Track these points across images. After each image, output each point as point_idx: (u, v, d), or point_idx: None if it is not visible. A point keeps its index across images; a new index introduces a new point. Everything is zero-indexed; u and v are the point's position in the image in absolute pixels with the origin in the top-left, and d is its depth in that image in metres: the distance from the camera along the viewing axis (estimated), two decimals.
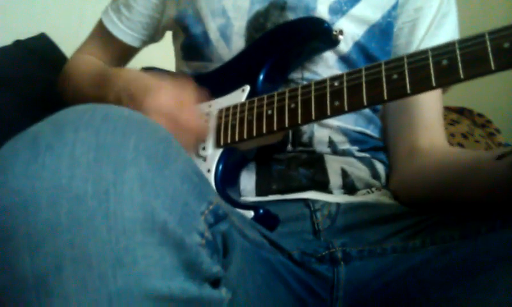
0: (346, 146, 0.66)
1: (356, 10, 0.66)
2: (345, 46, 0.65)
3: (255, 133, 0.57)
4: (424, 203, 0.61)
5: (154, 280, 0.32)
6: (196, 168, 0.39)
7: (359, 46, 0.66)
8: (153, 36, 0.80)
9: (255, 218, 0.54)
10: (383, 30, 0.67)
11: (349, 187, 0.64)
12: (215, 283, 0.38)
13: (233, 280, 0.41)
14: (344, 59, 0.66)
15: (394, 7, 0.68)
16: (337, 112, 0.52)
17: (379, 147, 0.70)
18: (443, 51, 0.46)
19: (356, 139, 0.67)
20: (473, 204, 0.52)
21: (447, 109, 1.23)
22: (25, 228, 0.31)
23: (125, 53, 0.82)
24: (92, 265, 0.31)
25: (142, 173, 0.33)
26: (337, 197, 0.63)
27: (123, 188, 0.32)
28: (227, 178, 0.60)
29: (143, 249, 0.32)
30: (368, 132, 0.68)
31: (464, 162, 0.56)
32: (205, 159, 0.61)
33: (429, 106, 0.67)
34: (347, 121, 0.66)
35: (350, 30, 0.65)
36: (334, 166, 0.64)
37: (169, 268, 0.33)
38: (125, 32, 0.78)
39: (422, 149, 0.65)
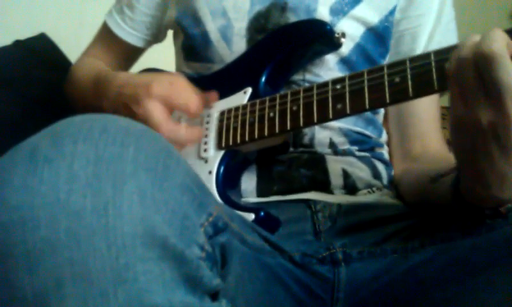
0: (346, 146, 0.66)
1: (357, 11, 0.66)
2: (345, 48, 0.65)
3: (256, 136, 0.57)
4: (417, 205, 0.62)
5: (155, 295, 0.32)
6: (196, 178, 0.39)
7: (359, 47, 0.66)
8: (157, 35, 0.81)
9: (256, 220, 0.54)
10: (379, 34, 0.68)
11: (350, 187, 0.64)
12: (214, 295, 0.37)
13: (232, 289, 0.41)
14: (344, 60, 0.66)
15: (392, 12, 0.69)
16: (339, 115, 0.52)
17: (379, 147, 0.71)
18: (446, 55, 0.46)
19: (356, 139, 0.67)
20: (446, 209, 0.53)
21: (447, 109, 1.23)
22: (24, 245, 0.30)
23: (130, 54, 0.82)
24: (93, 282, 0.30)
25: (141, 186, 0.33)
26: (338, 197, 0.63)
27: (123, 202, 0.32)
28: (228, 180, 0.60)
29: (143, 264, 0.32)
30: (368, 132, 0.69)
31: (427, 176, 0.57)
32: (206, 161, 0.61)
33: (423, 116, 0.69)
34: (347, 122, 0.66)
35: (351, 31, 0.66)
36: (335, 167, 0.65)
37: (169, 283, 0.33)
38: (128, 33, 0.78)
39: (413, 156, 0.68)
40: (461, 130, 0.41)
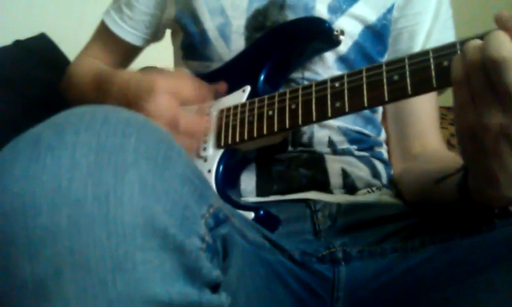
0: (345, 145, 0.66)
1: (355, 9, 0.67)
2: (344, 46, 0.65)
3: (255, 134, 0.57)
4: (417, 204, 0.62)
5: (154, 285, 0.32)
6: (196, 170, 0.39)
7: (357, 45, 0.66)
8: (156, 34, 0.80)
9: (256, 219, 0.54)
10: (377, 32, 0.68)
11: (349, 186, 0.64)
12: (214, 287, 0.37)
13: (233, 283, 0.41)
14: (342, 59, 0.66)
15: (390, 10, 0.69)
16: (338, 113, 0.52)
17: (378, 146, 0.71)
18: (445, 52, 0.46)
19: (355, 138, 0.67)
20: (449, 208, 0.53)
21: (447, 109, 1.23)
22: (25, 232, 0.31)
23: (128, 53, 0.82)
24: (91, 270, 0.31)
25: (142, 176, 0.33)
26: (338, 197, 0.63)
27: (124, 192, 0.32)
28: (228, 179, 0.60)
29: (143, 254, 0.32)
30: (367, 131, 0.69)
31: (428, 175, 0.57)
32: (205, 160, 0.61)
33: (421, 115, 0.69)
34: (346, 121, 0.66)
35: (349, 29, 0.66)
36: (334, 166, 0.64)
37: (169, 274, 0.33)
38: (127, 32, 0.78)
39: (412, 155, 0.68)
40: (469, 134, 0.40)
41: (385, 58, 0.70)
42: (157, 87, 0.54)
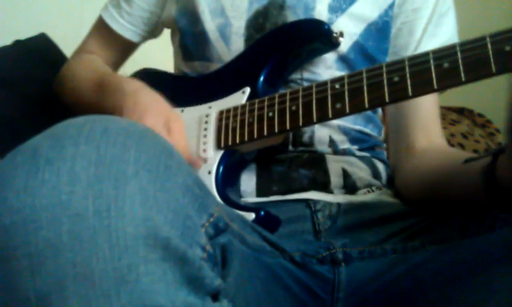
0: (346, 145, 0.66)
1: (355, 8, 0.66)
2: (344, 45, 0.65)
3: (255, 136, 0.57)
4: (420, 202, 0.61)
5: (158, 296, 0.32)
6: (197, 178, 0.39)
7: (357, 45, 0.66)
8: (153, 31, 0.80)
9: (256, 220, 0.54)
10: (380, 29, 0.68)
11: (350, 187, 0.64)
12: (215, 295, 0.37)
13: (232, 290, 0.41)
14: (342, 59, 0.66)
15: (391, 6, 0.69)
16: (339, 114, 0.52)
17: (379, 146, 0.71)
18: (444, 54, 0.46)
19: (356, 138, 0.67)
20: (462, 205, 0.52)
21: (447, 109, 1.24)
22: (26, 247, 0.30)
23: (125, 48, 0.82)
24: (95, 283, 0.31)
25: (143, 187, 0.33)
26: (338, 197, 0.63)
27: (125, 204, 0.32)
28: (228, 180, 0.60)
29: (146, 265, 0.32)
30: (368, 131, 0.68)
31: (451, 163, 0.57)
32: (205, 161, 0.61)
33: (426, 108, 0.68)
34: (347, 120, 0.66)
35: (349, 29, 0.65)
36: (335, 167, 0.64)
37: (172, 284, 0.33)
38: (125, 27, 0.78)
39: (418, 149, 0.66)
40: None
41: (388, 56, 0.70)
42: (146, 109, 0.55)
